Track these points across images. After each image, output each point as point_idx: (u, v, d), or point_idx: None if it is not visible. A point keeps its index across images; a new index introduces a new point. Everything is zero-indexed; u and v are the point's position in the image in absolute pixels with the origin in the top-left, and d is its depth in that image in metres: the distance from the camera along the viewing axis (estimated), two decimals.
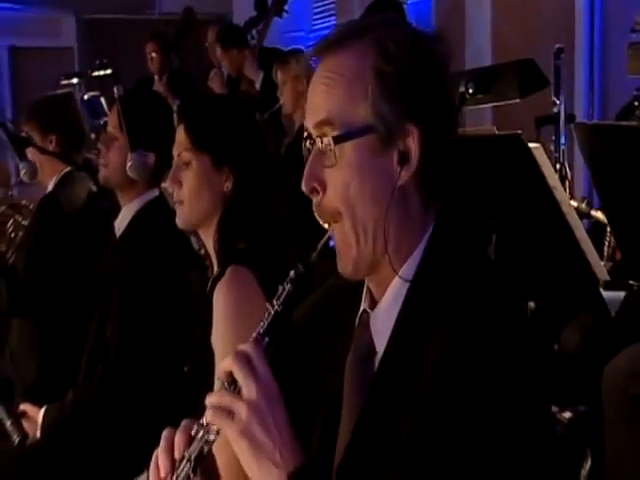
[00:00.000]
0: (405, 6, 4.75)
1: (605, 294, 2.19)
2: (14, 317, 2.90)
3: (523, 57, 2.56)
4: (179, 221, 1.87)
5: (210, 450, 1.06)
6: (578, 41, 4.07)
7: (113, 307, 2.27)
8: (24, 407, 2.30)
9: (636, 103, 2.78)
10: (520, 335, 1.03)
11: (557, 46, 2.99)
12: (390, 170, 1.06)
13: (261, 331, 1.06)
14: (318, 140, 1.07)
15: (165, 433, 1.09)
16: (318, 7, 6.45)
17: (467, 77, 2.19)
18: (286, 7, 4.94)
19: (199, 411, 1.06)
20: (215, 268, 1.84)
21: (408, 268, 1.08)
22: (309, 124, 1.10)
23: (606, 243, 2.43)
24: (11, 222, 3.24)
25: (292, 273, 1.07)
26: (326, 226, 1.10)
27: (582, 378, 2.57)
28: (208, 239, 1.86)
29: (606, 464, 2.37)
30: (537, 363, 1.03)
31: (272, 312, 1.06)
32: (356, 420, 1.09)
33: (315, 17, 6.56)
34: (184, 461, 1.06)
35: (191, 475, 1.05)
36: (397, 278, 1.08)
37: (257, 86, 4.83)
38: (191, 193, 1.83)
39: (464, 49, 4.59)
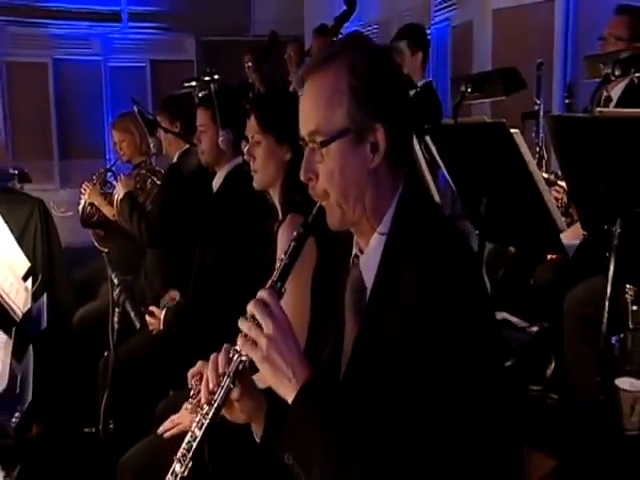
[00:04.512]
0: (428, 30, 4.63)
1: (565, 242, 2.12)
2: (148, 247, 2.94)
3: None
4: (255, 185, 1.86)
5: (245, 367, 1.05)
6: (556, 56, 3.97)
7: (211, 239, 2.30)
8: (152, 308, 2.35)
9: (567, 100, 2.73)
10: (466, 267, 0.99)
11: (538, 60, 2.92)
12: (365, 158, 1.03)
13: (275, 279, 1.05)
14: (310, 144, 1.05)
15: (212, 356, 1.09)
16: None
17: (466, 79, 2.14)
18: None
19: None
20: (280, 216, 1.83)
21: (384, 223, 1.05)
22: (302, 132, 1.07)
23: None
24: (149, 181, 3.26)
25: (294, 233, 1.06)
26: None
27: (548, 302, 2.52)
28: (275, 195, 1.85)
29: (565, 366, 2.34)
30: (479, 290, 1.00)
31: (281, 264, 1.05)
32: (355, 340, 1.07)
33: None
34: (225, 376, 1.06)
35: (231, 386, 1.05)
36: (376, 232, 1.06)
37: None
38: (262, 164, 1.81)
39: (472, 61, 4.50)
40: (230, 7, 6.50)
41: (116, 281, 1.73)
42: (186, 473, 1.07)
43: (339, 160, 1.03)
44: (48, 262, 2.96)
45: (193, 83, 3.28)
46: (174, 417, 1.72)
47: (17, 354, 1.76)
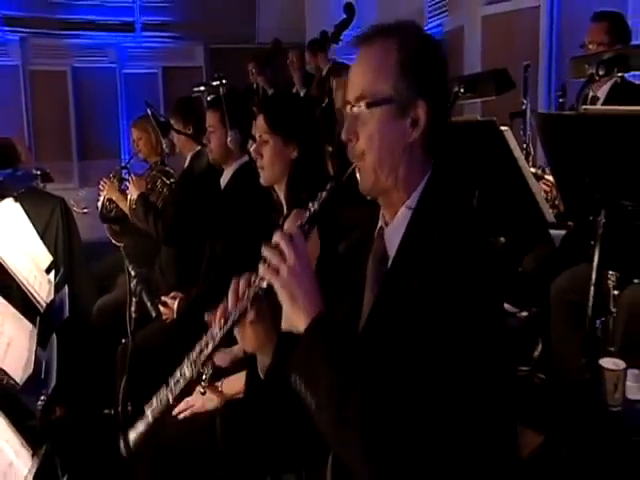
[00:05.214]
0: None
1: (552, 232, 2.11)
2: (164, 245, 2.92)
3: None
4: (262, 181, 1.83)
5: (263, 293, 1.03)
6: (541, 58, 3.95)
7: (221, 233, 2.28)
8: (165, 299, 2.36)
9: (560, 100, 2.68)
10: (483, 252, 0.99)
11: (525, 63, 2.88)
12: (404, 130, 1.02)
13: (303, 222, 1.03)
14: (356, 107, 1.04)
15: (234, 279, 1.07)
16: None
17: (459, 80, 2.11)
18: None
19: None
20: (285, 211, 1.81)
21: (412, 199, 1.04)
22: (349, 97, 1.05)
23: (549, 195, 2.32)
24: (160, 182, 3.24)
25: (328, 185, 1.04)
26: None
27: (536, 289, 2.51)
28: (281, 191, 1.82)
29: (551, 348, 2.34)
30: (494, 271, 0.98)
31: (311, 210, 1.04)
32: (373, 302, 1.06)
33: None
34: (244, 299, 1.04)
35: (248, 307, 1.04)
36: (404, 206, 1.05)
37: (324, 72, 4.64)
38: (269, 162, 1.78)
39: (462, 62, 4.47)
40: (236, 17, 6.48)
41: (133, 273, 1.73)
42: (195, 376, 1.07)
43: (380, 126, 1.02)
44: (69, 256, 2.96)
45: (202, 88, 3.27)
46: (188, 399, 1.72)
47: (42, 342, 1.75)
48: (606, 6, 2.91)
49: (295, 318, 0.99)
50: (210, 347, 1.05)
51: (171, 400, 1.06)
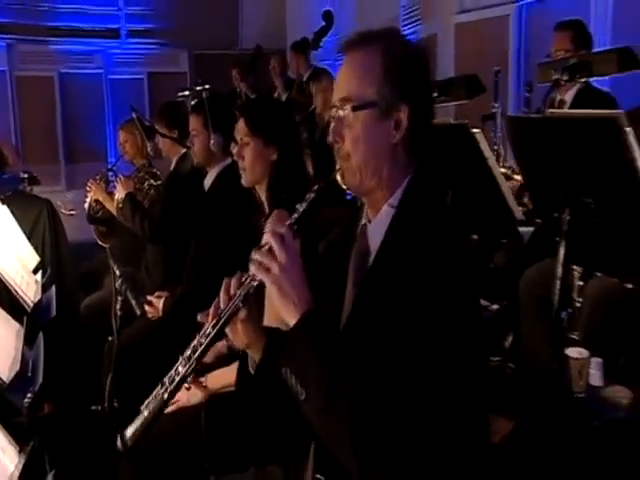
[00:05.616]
0: None
1: (520, 229, 2.13)
2: (150, 243, 2.89)
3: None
4: (243, 182, 1.82)
5: (254, 292, 1.03)
6: (511, 64, 4.00)
7: (204, 233, 2.26)
8: (150, 298, 2.32)
9: (527, 94, 2.71)
10: (462, 248, 1.00)
11: (495, 68, 2.91)
12: (388, 133, 1.02)
13: (292, 221, 1.03)
14: (341, 110, 1.04)
15: (225, 279, 1.06)
16: None
17: (433, 85, 2.13)
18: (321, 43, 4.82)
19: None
20: (267, 211, 1.80)
21: (394, 198, 1.05)
22: (335, 99, 1.05)
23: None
24: (147, 183, 3.20)
25: (316, 186, 1.04)
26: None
27: (506, 284, 2.54)
28: (262, 192, 1.81)
29: (521, 339, 2.37)
30: (472, 268, 1.00)
31: (300, 209, 1.03)
32: (356, 296, 1.07)
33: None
34: (236, 297, 1.03)
35: (240, 305, 1.03)
36: (387, 204, 1.05)
37: (305, 77, 4.66)
38: (250, 164, 1.77)
39: (436, 68, 4.50)
40: (219, 24, 6.45)
41: (118, 272, 1.72)
42: (188, 373, 1.06)
43: (364, 128, 1.02)
44: (56, 257, 2.92)
45: (186, 92, 3.25)
46: None
47: (29, 341, 1.73)
48: (571, 15, 2.95)
49: (285, 313, 0.98)
50: (204, 344, 1.05)
51: (166, 396, 1.06)
